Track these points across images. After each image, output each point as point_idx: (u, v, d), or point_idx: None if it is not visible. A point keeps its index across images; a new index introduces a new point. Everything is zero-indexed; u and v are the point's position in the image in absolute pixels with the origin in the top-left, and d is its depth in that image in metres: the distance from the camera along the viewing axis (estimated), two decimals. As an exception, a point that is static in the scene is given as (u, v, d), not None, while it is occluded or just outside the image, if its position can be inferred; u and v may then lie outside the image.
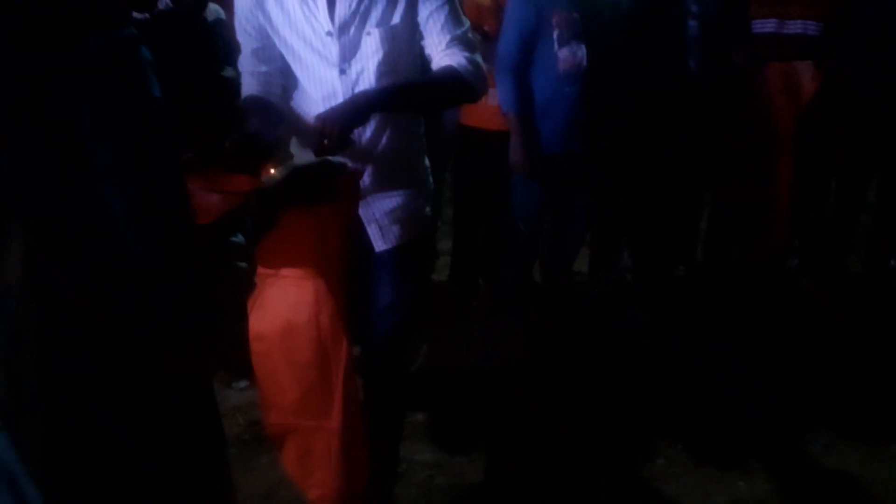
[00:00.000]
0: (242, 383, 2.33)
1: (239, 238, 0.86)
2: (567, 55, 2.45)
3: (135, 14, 0.83)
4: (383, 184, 1.53)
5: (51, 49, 0.66)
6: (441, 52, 1.47)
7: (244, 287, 0.86)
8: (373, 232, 1.55)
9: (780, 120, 2.81)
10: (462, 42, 1.48)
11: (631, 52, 2.60)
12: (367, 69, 1.44)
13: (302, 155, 1.55)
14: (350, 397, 1.41)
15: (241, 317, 1.34)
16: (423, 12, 1.45)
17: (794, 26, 2.78)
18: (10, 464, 0.34)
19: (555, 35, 2.44)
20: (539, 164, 2.53)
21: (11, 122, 0.66)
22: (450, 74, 1.44)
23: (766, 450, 2.22)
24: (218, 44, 2.21)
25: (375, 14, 1.41)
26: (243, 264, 0.84)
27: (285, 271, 1.34)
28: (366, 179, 1.49)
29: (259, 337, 1.39)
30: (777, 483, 2.08)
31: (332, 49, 1.43)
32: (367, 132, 1.48)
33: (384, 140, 1.51)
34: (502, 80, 2.53)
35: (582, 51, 2.45)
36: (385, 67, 1.44)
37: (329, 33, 1.42)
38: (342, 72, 1.44)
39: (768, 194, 2.92)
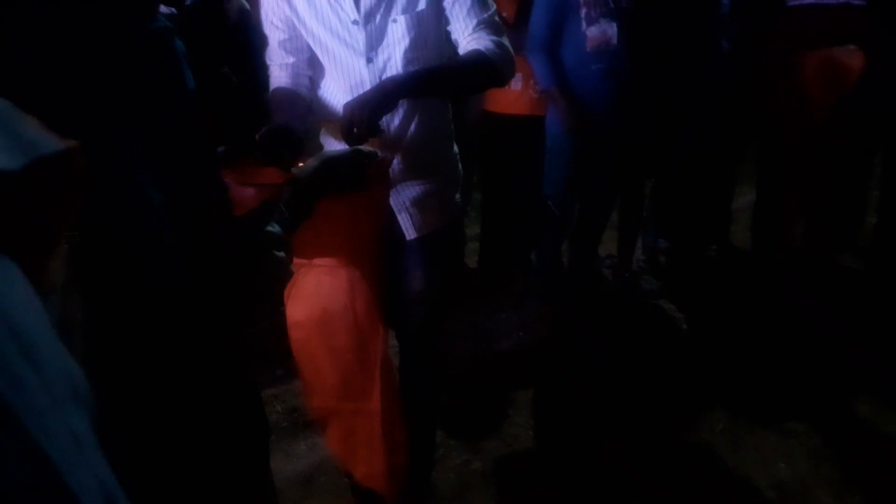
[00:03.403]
0: (279, 371, 2.36)
1: (275, 228, 0.86)
2: (596, 33, 2.43)
3: (162, 8, 0.84)
4: (413, 171, 1.53)
5: (95, 40, 0.67)
6: (468, 36, 1.45)
7: (282, 275, 0.86)
8: (403, 220, 1.55)
9: (816, 111, 2.65)
10: (489, 26, 1.46)
11: (663, 30, 2.55)
12: (393, 57, 1.43)
13: (331, 146, 1.56)
14: (388, 380, 1.44)
15: (278, 305, 1.36)
16: (449, -3, 1.44)
17: None
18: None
19: (582, 13, 2.43)
20: (588, 124, 2.57)
21: (57, 112, 0.68)
22: (478, 58, 1.43)
23: (803, 429, 2.19)
24: (249, 36, 2.21)
25: (401, 1, 1.41)
26: (280, 253, 0.85)
27: (319, 261, 1.36)
28: (395, 167, 1.49)
29: (297, 325, 1.41)
30: (817, 464, 2.05)
31: (359, 38, 1.42)
32: (395, 119, 1.48)
33: (413, 127, 1.50)
34: (535, 59, 2.56)
35: (613, 29, 2.43)
36: (412, 54, 1.43)
37: (355, 22, 1.41)
38: (369, 60, 1.44)
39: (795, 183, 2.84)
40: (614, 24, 2.42)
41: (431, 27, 1.45)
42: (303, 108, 1.50)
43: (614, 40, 2.43)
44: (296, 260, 1.24)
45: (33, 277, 0.35)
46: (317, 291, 1.38)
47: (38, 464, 0.28)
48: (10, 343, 0.30)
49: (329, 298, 1.38)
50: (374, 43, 1.43)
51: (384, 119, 1.38)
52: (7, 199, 0.34)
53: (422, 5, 1.42)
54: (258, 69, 1.72)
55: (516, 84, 2.74)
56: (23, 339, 0.31)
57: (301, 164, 1.17)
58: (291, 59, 1.51)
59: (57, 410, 0.31)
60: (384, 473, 1.46)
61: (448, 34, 1.49)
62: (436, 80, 1.44)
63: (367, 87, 1.42)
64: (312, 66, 1.52)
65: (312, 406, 1.52)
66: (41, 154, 0.35)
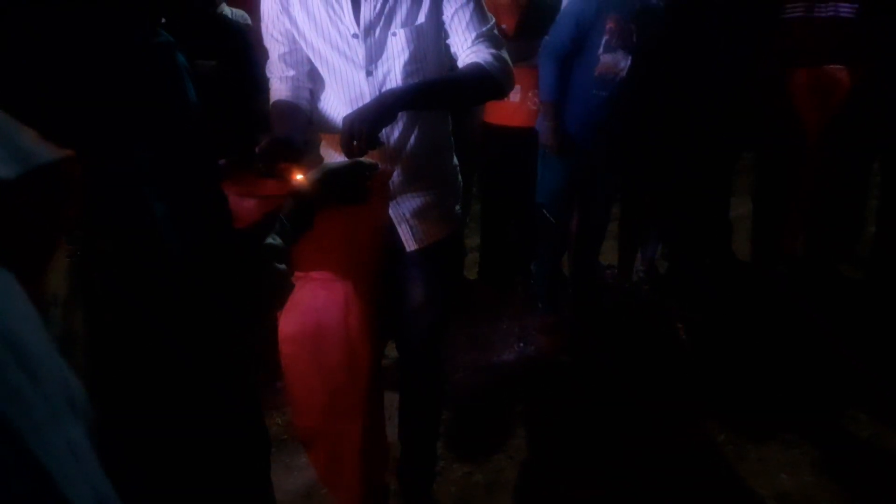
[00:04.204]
0: (279, 384, 2.35)
1: (276, 240, 0.87)
2: (608, 60, 2.43)
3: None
4: (413, 183, 1.53)
5: (94, 44, 0.67)
6: (467, 49, 1.46)
7: (283, 288, 0.86)
8: (403, 232, 1.56)
9: (808, 126, 2.70)
10: (488, 38, 1.47)
11: (668, 61, 2.57)
12: (393, 70, 1.44)
13: (331, 158, 1.56)
14: (373, 400, 1.42)
15: (278, 318, 1.36)
16: (448, 10, 1.45)
17: (825, 9, 2.64)
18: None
19: (604, 39, 2.42)
20: (570, 145, 2.58)
21: (59, 122, 0.68)
22: (476, 71, 1.43)
23: (806, 439, 2.18)
24: (241, 45, 2.22)
25: (400, 14, 1.42)
26: (281, 266, 0.85)
27: (315, 273, 1.35)
28: (395, 179, 1.50)
29: (288, 339, 1.40)
30: (820, 474, 2.04)
31: (359, 51, 1.43)
32: (395, 132, 1.49)
33: (412, 139, 1.51)
34: (546, 67, 2.53)
35: (626, 62, 2.43)
36: (411, 67, 1.44)
37: (355, 35, 1.42)
38: (369, 73, 1.44)
39: (791, 194, 2.85)
40: (629, 58, 2.42)
41: (431, 40, 1.46)
42: (303, 120, 1.51)
43: (623, 73, 2.44)
44: (296, 272, 1.24)
45: (30, 288, 0.35)
46: (311, 305, 1.37)
47: (36, 477, 0.28)
48: (8, 355, 0.30)
49: (322, 312, 1.37)
50: (374, 56, 1.44)
51: (384, 131, 1.38)
52: (2, 209, 0.34)
53: (421, 19, 1.43)
54: (257, 77, 1.72)
55: (515, 96, 2.76)
56: (20, 350, 0.31)
57: (301, 177, 1.17)
58: (291, 72, 1.52)
59: (55, 423, 0.31)
60: (362, 498, 1.45)
61: (447, 47, 1.50)
62: (435, 92, 1.45)
63: (367, 99, 1.42)
64: (312, 79, 1.53)
65: (298, 425, 1.51)
66: (37, 163, 0.35)
